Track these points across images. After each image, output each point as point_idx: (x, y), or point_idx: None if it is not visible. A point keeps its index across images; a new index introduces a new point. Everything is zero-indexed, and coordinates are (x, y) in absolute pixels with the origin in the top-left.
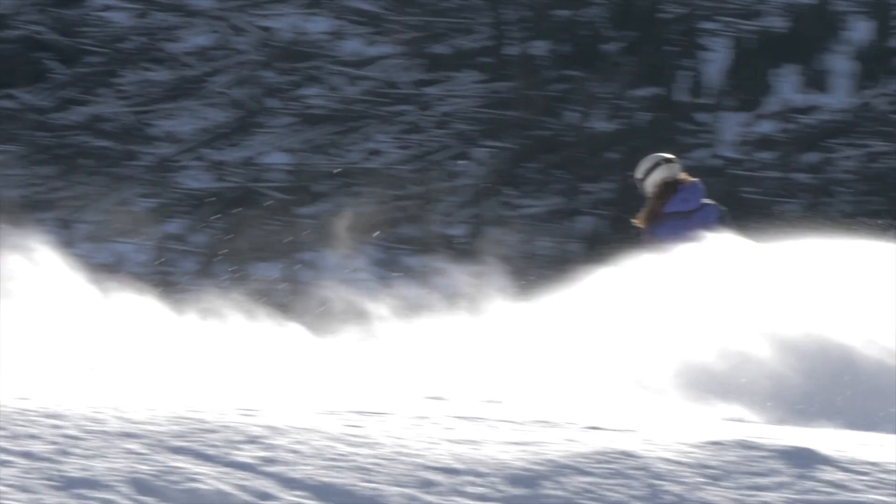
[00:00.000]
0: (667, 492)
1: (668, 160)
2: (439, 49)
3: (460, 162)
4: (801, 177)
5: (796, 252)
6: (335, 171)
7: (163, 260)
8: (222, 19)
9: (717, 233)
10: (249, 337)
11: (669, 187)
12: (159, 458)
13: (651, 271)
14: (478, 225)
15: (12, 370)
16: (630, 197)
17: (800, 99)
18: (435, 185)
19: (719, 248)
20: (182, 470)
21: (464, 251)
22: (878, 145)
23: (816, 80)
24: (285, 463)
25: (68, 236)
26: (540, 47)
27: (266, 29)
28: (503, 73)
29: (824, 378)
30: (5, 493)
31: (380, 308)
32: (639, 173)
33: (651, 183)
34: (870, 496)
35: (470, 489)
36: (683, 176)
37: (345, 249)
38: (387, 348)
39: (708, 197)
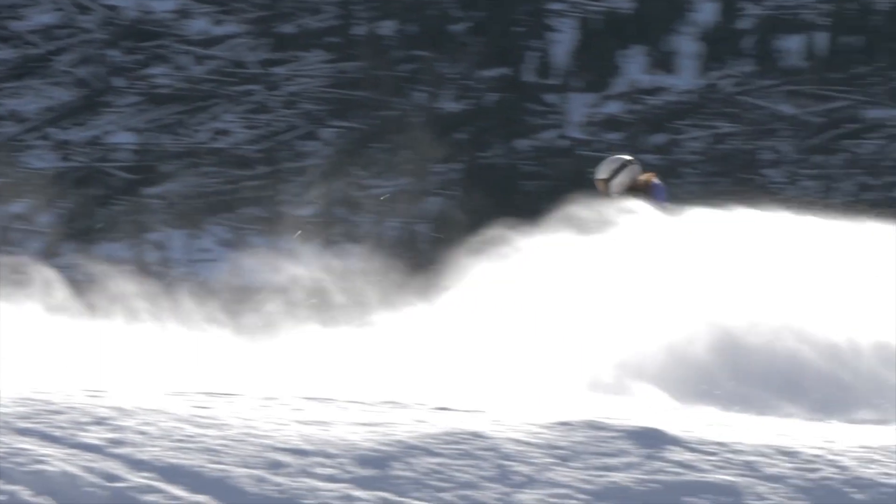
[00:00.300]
0: (516, 472)
1: (630, 162)
2: (286, 28)
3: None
4: (649, 157)
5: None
6: (181, 150)
7: (7, 240)
8: None
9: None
10: (93, 319)
11: (638, 191)
12: (5, 439)
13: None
14: (326, 205)
15: None
16: (477, 177)
17: (646, 80)
18: (283, 165)
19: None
20: (28, 452)
21: (312, 231)
22: (724, 126)
23: (663, 62)
24: (133, 444)
25: None
26: (387, 27)
27: (111, 7)
28: (350, 52)
29: (720, 361)
30: None
31: (233, 288)
32: (602, 174)
33: (618, 185)
34: (717, 476)
35: (319, 470)
36: (646, 177)
37: (192, 229)
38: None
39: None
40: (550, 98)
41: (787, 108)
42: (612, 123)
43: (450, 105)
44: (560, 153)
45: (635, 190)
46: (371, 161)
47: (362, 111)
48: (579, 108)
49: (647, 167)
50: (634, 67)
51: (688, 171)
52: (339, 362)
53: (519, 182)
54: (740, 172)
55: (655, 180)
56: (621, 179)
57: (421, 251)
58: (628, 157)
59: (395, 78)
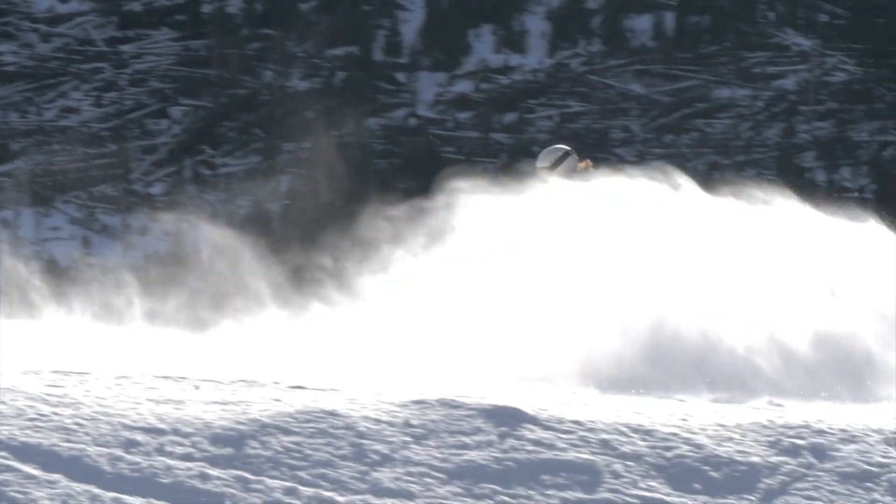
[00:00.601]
0: (372, 451)
1: (570, 152)
2: (133, 6)
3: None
4: (499, 136)
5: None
6: (29, 128)
7: None
8: None
9: None
10: None
11: (585, 176)
12: None
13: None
14: (176, 184)
15: None
16: (328, 156)
17: (496, 59)
18: (132, 143)
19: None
20: None
21: (162, 210)
22: (574, 105)
23: (512, 41)
24: None
25: None
26: (235, 5)
27: None
28: (198, 31)
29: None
30: None
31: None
32: (544, 163)
33: (559, 173)
34: (572, 454)
35: (174, 449)
36: (584, 164)
37: (42, 207)
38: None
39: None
40: (400, 77)
41: (636, 88)
42: (462, 102)
43: (299, 83)
44: (410, 132)
45: (575, 176)
46: (221, 139)
47: (211, 89)
48: (429, 87)
49: (494, 146)
50: (484, 47)
51: (538, 150)
52: (203, 343)
53: (370, 160)
54: (591, 151)
55: (593, 168)
56: (563, 168)
57: (272, 230)
58: (567, 147)
59: (244, 56)
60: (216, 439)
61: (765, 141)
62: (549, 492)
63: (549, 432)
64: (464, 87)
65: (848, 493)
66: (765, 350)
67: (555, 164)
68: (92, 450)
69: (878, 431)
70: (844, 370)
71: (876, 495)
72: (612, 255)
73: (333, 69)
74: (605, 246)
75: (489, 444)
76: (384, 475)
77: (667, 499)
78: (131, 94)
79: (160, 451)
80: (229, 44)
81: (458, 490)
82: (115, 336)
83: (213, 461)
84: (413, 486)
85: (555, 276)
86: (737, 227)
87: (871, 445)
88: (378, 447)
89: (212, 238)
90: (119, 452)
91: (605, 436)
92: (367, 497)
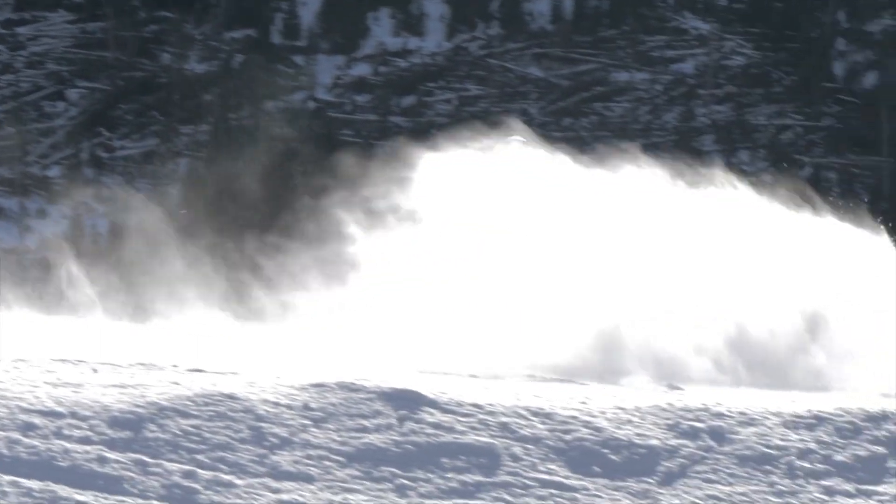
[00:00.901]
0: (271, 434)
1: (526, 144)
2: None
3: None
4: (398, 119)
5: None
6: None
7: None
8: None
9: None
10: None
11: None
12: None
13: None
14: (73, 166)
15: None
16: (226, 139)
17: (395, 42)
18: (29, 125)
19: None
20: None
21: (60, 192)
22: (473, 89)
23: (411, 24)
24: None
25: None
26: None
27: None
28: (96, 13)
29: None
30: None
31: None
32: None
33: None
34: (472, 437)
35: (72, 432)
36: None
37: None
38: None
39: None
40: (299, 60)
41: (535, 71)
42: (360, 85)
43: (197, 66)
44: (309, 115)
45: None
46: (118, 122)
47: (109, 72)
48: (328, 70)
49: (393, 129)
50: (382, 30)
51: (435, 133)
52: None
53: (268, 143)
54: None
55: None
56: None
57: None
58: (524, 139)
59: (142, 38)
60: (114, 422)
61: (663, 124)
62: (449, 475)
63: (449, 415)
64: (362, 70)
65: (746, 475)
66: (693, 342)
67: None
68: None
69: (777, 414)
70: (758, 364)
71: (774, 478)
72: (562, 247)
73: (231, 52)
74: (561, 238)
75: (389, 427)
76: (283, 458)
77: (566, 481)
78: (28, 76)
79: (58, 434)
80: (126, 26)
81: (358, 473)
82: (12, 320)
83: (112, 444)
84: (312, 469)
85: (511, 269)
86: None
87: (769, 428)
88: (277, 430)
89: (111, 220)
90: (16, 436)
91: (504, 419)
92: (266, 480)
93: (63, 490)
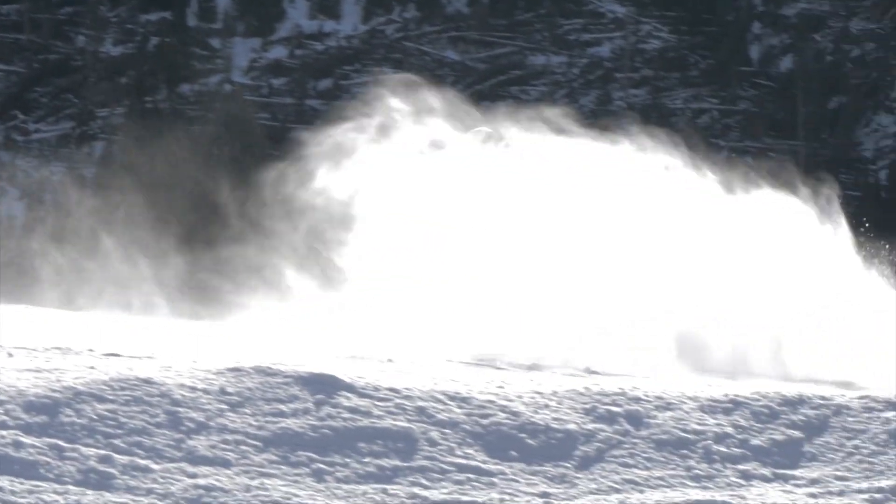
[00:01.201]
0: (187, 418)
1: (493, 133)
2: None
3: None
4: (315, 103)
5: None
6: None
7: None
8: None
9: None
10: None
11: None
12: None
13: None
14: None
15: None
16: (142, 122)
17: (311, 25)
18: None
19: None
20: None
21: None
22: (389, 72)
23: (327, 7)
24: None
25: None
26: None
27: None
28: None
29: None
30: None
31: None
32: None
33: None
34: (389, 422)
35: None
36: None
37: None
38: None
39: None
40: (214, 43)
41: (451, 55)
42: (276, 69)
43: (112, 49)
44: (224, 98)
45: None
46: (33, 105)
47: (23, 54)
48: (244, 53)
49: (309, 112)
50: (298, 13)
51: (352, 118)
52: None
53: (184, 127)
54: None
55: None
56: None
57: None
58: (489, 129)
59: (56, 21)
60: (30, 407)
61: (580, 108)
62: (366, 459)
63: (366, 400)
64: (278, 53)
65: (664, 459)
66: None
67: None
68: None
69: (694, 399)
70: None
71: (691, 462)
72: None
73: (147, 34)
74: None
75: (305, 411)
76: (200, 443)
77: (483, 466)
78: None
79: None
80: (41, 8)
81: (275, 458)
82: None
83: (27, 429)
84: (229, 453)
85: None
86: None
87: (686, 413)
88: (193, 415)
89: (28, 203)
90: None
91: (421, 403)
92: (183, 465)
93: None
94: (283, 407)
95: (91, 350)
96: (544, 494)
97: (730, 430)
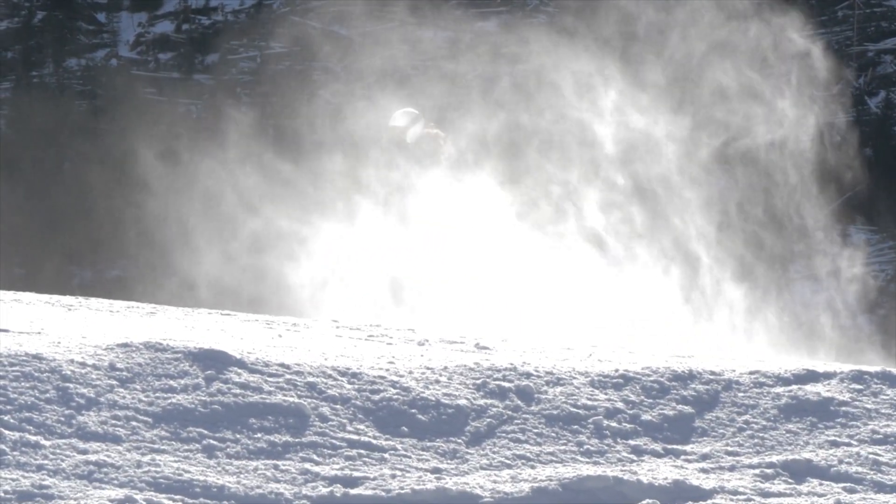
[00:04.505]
0: (77, 394)
1: (421, 115)
2: None
3: None
4: (201, 77)
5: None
6: None
7: None
8: None
9: None
10: None
11: (433, 141)
12: None
13: None
14: None
15: None
16: (27, 96)
17: None
18: None
19: None
20: None
21: None
22: (276, 47)
23: None
24: None
25: None
26: None
27: None
28: None
29: None
30: None
31: None
32: (398, 123)
33: (412, 134)
34: (279, 397)
35: None
36: (434, 130)
37: None
38: None
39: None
40: (101, 17)
41: (339, 29)
42: (163, 43)
43: None
44: (111, 72)
45: (424, 140)
46: None
47: None
48: (130, 27)
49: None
50: None
51: (240, 92)
52: None
53: (72, 102)
54: (294, 94)
55: (441, 133)
56: (416, 129)
57: None
58: (417, 111)
59: None
60: None
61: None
62: (257, 435)
63: (256, 375)
64: (165, 27)
65: (555, 435)
66: None
67: (409, 125)
68: None
69: (584, 374)
70: None
71: (582, 437)
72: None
73: (33, 8)
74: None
75: (196, 387)
76: (90, 419)
77: (374, 441)
78: None
79: None
80: None
81: (165, 434)
82: None
83: None
84: (120, 429)
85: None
86: None
87: (577, 388)
88: (83, 391)
89: None
90: None
91: (311, 379)
92: (73, 441)
93: None
94: (173, 383)
95: None
96: (435, 470)
97: (620, 405)
